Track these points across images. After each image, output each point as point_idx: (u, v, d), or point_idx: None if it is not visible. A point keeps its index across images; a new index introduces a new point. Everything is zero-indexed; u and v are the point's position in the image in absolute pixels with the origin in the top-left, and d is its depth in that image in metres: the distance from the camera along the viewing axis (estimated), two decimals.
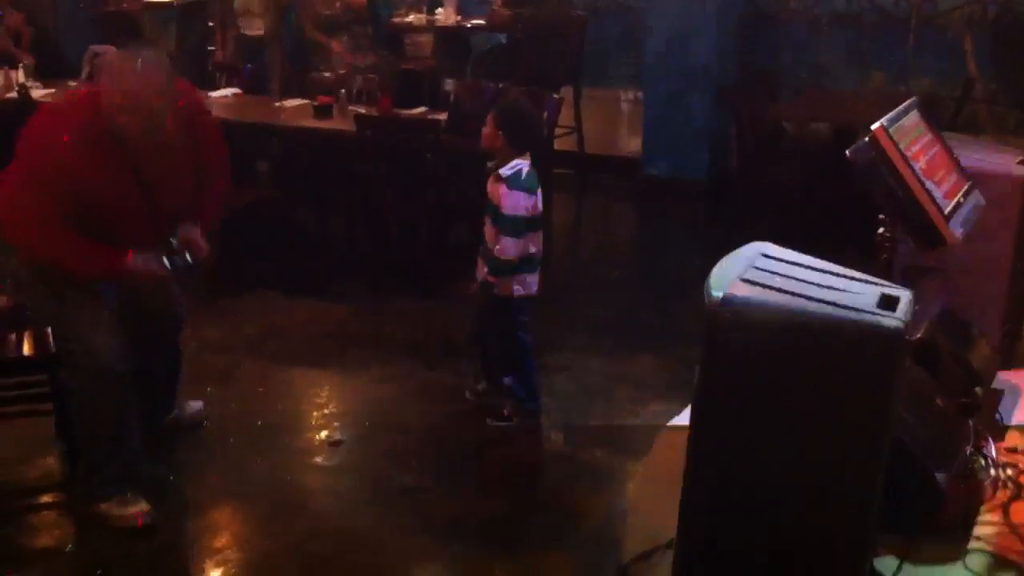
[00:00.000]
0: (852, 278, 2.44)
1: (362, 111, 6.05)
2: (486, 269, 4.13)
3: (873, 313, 2.24)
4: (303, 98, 6.54)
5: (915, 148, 3.14)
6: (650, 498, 3.34)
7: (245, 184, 6.19)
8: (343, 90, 6.41)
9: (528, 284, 4.16)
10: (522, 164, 4.04)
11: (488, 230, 4.13)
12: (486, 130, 4.09)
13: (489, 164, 4.13)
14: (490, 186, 4.10)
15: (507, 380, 4.32)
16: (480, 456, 4.14)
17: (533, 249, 4.12)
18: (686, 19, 7.53)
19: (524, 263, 4.11)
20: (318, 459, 4.08)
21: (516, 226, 4.01)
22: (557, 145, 6.96)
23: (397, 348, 5.06)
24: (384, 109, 6.00)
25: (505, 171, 4.02)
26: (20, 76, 6.93)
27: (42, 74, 7.23)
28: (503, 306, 4.18)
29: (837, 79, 7.72)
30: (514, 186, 4.00)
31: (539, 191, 4.10)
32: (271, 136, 6.43)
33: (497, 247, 4.03)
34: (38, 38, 7.75)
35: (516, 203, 4.00)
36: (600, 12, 8.49)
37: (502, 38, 8.43)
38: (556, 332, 5.29)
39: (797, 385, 2.32)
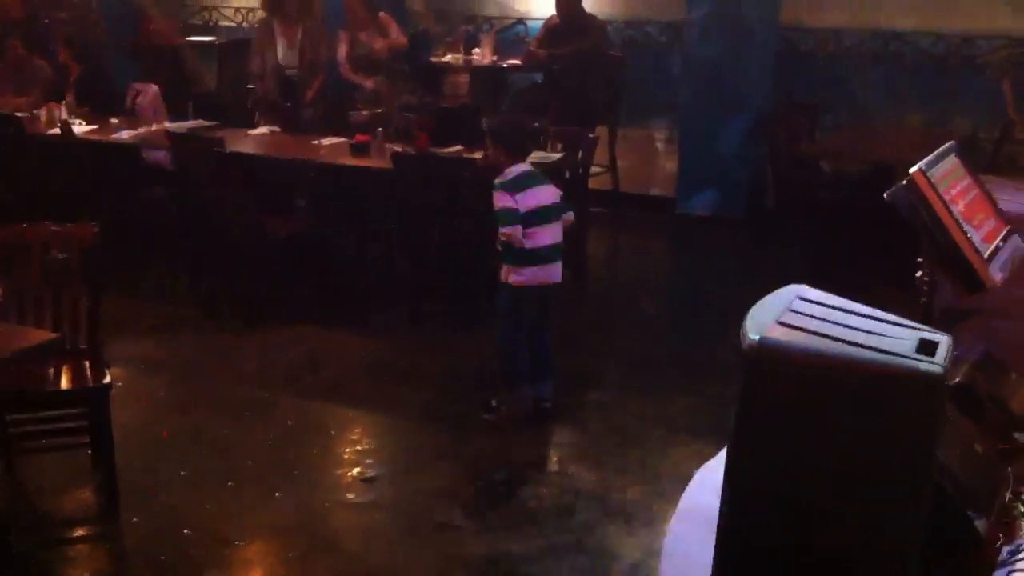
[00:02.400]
0: (890, 322, 2.43)
1: (399, 149, 6.09)
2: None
3: (912, 358, 2.22)
4: (341, 136, 6.61)
5: (954, 191, 3.12)
6: (685, 541, 3.32)
7: (284, 217, 6.26)
8: (380, 128, 6.47)
9: (529, 274, 4.56)
10: (515, 169, 4.55)
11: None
12: (488, 151, 4.73)
13: (496, 181, 4.59)
14: None
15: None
16: (513, 494, 4.12)
17: (529, 244, 4.51)
18: (723, 57, 7.56)
19: (524, 256, 4.53)
20: (351, 496, 4.08)
21: (502, 217, 4.50)
22: (592, 184, 6.97)
23: (432, 381, 5.08)
24: (421, 147, 6.05)
25: (499, 178, 4.55)
26: (63, 112, 7.05)
27: (90, 110, 7.36)
28: (505, 291, 4.63)
29: (875, 118, 7.69)
30: (497, 188, 4.53)
31: (538, 186, 4.56)
32: (309, 173, 6.49)
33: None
34: (87, 74, 7.88)
35: (497, 201, 4.51)
36: (636, 51, 8.52)
37: (538, 77, 8.48)
38: (590, 369, 5.30)
39: (834, 430, 2.30)
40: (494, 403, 4.67)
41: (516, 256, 4.56)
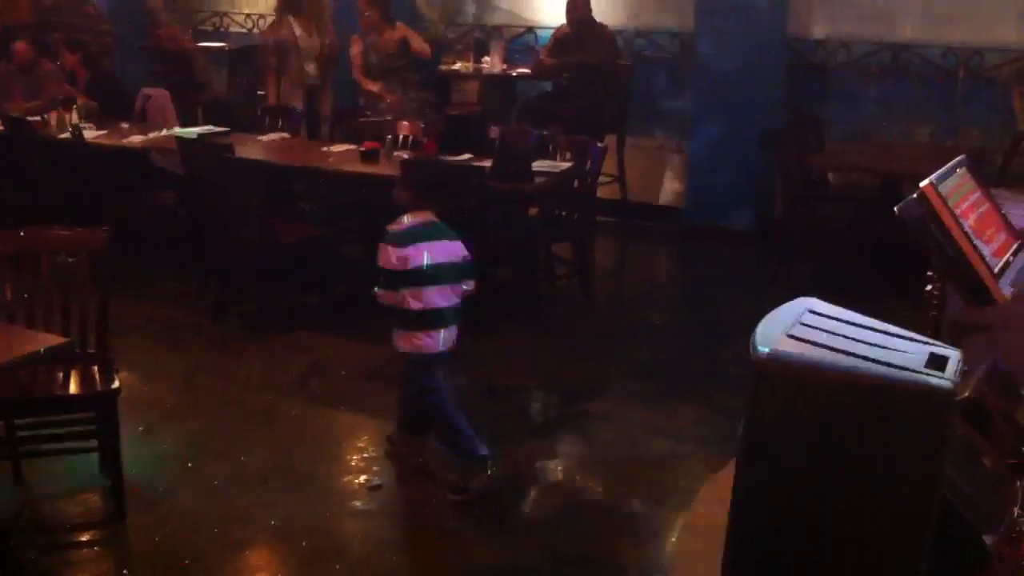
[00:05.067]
0: (900, 336, 2.43)
1: (407, 157, 6.10)
2: None
3: (922, 373, 2.22)
4: (351, 143, 6.62)
5: (964, 205, 3.12)
6: (692, 553, 3.31)
7: (293, 223, 6.27)
8: (390, 136, 6.48)
9: (417, 342, 4.08)
10: (414, 219, 4.06)
11: None
12: (396, 189, 4.20)
13: (388, 228, 4.12)
14: None
15: (439, 446, 4.24)
16: (519, 503, 4.12)
17: (416, 305, 4.02)
18: (732, 68, 7.56)
19: (413, 319, 4.05)
20: (357, 503, 4.08)
21: (384, 278, 4.04)
22: (600, 193, 6.98)
23: None
24: (430, 155, 6.06)
25: (391, 226, 4.08)
26: (74, 117, 7.08)
27: (101, 114, 7.38)
28: (407, 364, 4.19)
29: (884, 130, 7.69)
30: (387, 240, 4.05)
31: (425, 244, 4.02)
32: (318, 179, 6.50)
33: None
34: (97, 78, 7.91)
35: (382, 255, 4.03)
36: (645, 62, 8.53)
37: (548, 85, 8.50)
38: (597, 378, 5.30)
39: (843, 444, 2.29)
40: (460, 484, 4.10)
41: (400, 319, 4.09)
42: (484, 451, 4.11)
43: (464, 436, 4.13)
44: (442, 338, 4.09)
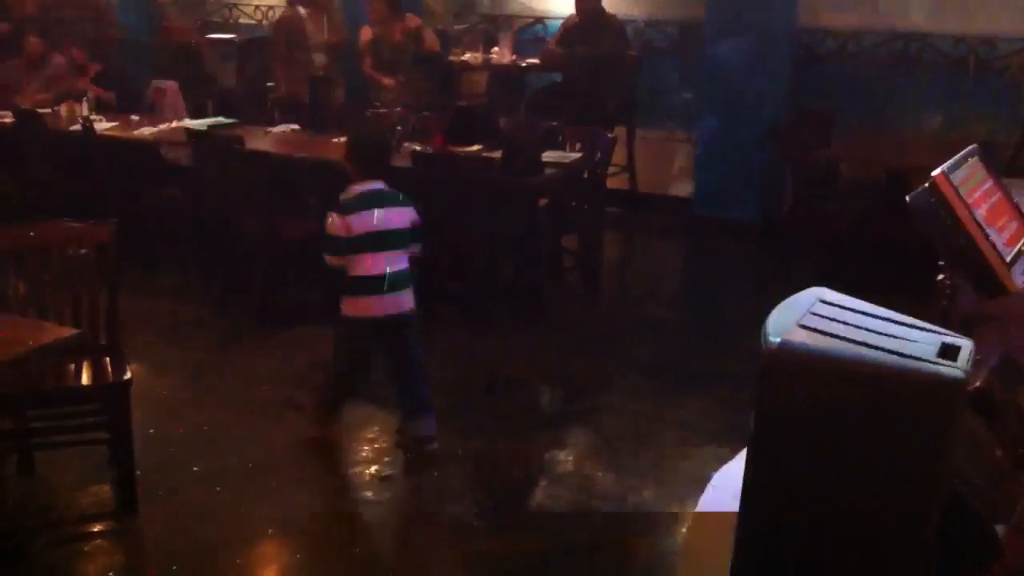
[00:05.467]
0: (912, 326, 2.41)
1: (417, 148, 6.10)
2: None
3: (933, 362, 2.21)
4: None
5: (976, 195, 3.10)
6: (702, 543, 3.31)
7: (299, 217, 6.26)
8: (399, 127, 6.47)
9: (361, 305, 4.26)
10: (362, 188, 4.26)
11: None
12: (345, 163, 4.39)
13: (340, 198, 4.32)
14: None
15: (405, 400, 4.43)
16: (529, 493, 4.12)
17: (362, 270, 4.21)
18: (740, 60, 7.53)
19: (359, 284, 4.23)
20: (368, 494, 4.09)
21: (329, 244, 4.23)
22: (609, 184, 6.97)
23: (446, 383, 5.06)
24: (439, 146, 6.05)
25: (341, 196, 4.27)
26: (84, 109, 7.09)
27: (111, 106, 7.40)
28: (339, 323, 4.35)
29: (893, 121, 7.66)
30: (334, 208, 4.23)
31: (364, 213, 4.19)
32: (326, 171, 6.49)
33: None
34: (106, 72, 7.92)
35: (330, 223, 4.21)
36: (655, 53, 8.51)
37: (557, 77, 8.48)
38: (606, 371, 5.29)
39: (854, 433, 2.29)
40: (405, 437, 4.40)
41: (346, 284, 4.26)
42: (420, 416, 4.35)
43: (337, 400, 4.46)
44: (386, 302, 4.24)
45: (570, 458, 4.43)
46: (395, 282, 4.23)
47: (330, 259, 4.26)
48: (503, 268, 6.14)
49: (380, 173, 4.34)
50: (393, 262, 4.22)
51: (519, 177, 5.70)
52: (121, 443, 3.85)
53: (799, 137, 6.80)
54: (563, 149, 6.33)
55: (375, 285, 4.21)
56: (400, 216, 4.27)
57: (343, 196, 4.27)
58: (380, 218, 4.20)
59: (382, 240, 4.21)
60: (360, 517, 3.96)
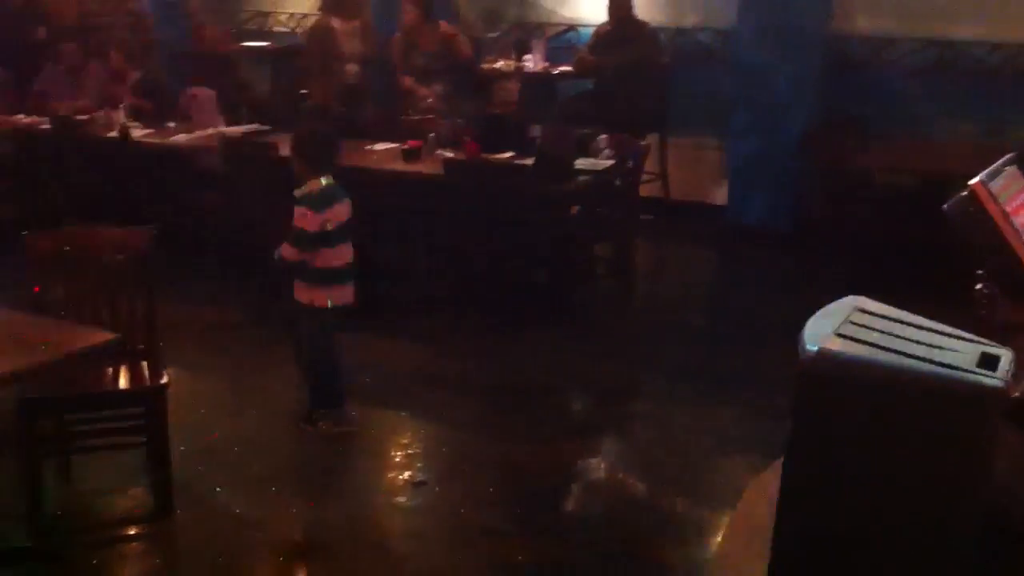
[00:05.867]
0: (951, 335, 2.40)
1: (450, 155, 6.13)
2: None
3: (973, 372, 2.20)
4: (392, 142, 6.65)
5: (1015, 203, 3.08)
6: (738, 552, 3.30)
7: None
8: (432, 134, 6.50)
9: (341, 294, 4.50)
10: (324, 184, 4.41)
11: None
12: (293, 164, 4.51)
13: (296, 192, 4.46)
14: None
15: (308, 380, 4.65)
16: (560, 500, 4.12)
17: (336, 262, 4.43)
18: (773, 67, 7.51)
19: (336, 274, 4.45)
20: (401, 499, 4.10)
21: (298, 238, 4.38)
22: (642, 191, 6.97)
23: (480, 389, 5.09)
24: (471, 154, 6.08)
25: (298, 192, 4.41)
26: (121, 116, 7.17)
27: (150, 114, 7.48)
28: (314, 315, 4.51)
29: (927, 128, 7.60)
30: (305, 203, 4.37)
31: (337, 205, 4.42)
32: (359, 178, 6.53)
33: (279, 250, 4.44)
34: (144, 80, 8.01)
35: (302, 218, 4.36)
36: (687, 60, 8.49)
37: (589, 84, 8.48)
38: (638, 378, 5.29)
39: (892, 443, 2.28)
40: (320, 423, 4.57)
41: (320, 276, 4.43)
42: (343, 404, 4.60)
43: (337, 380, 4.60)
44: (342, 292, 4.49)
45: (603, 465, 4.43)
46: (350, 274, 4.52)
47: (293, 253, 4.40)
48: (536, 275, 6.14)
49: (331, 166, 4.52)
50: (347, 254, 4.49)
51: (551, 184, 5.71)
52: (158, 446, 3.88)
53: (832, 143, 6.77)
54: (595, 157, 6.33)
55: (350, 274, 4.50)
56: (349, 207, 4.49)
57: (305, 191, 4.40)
58: (342, 212, 4.44)
59: (348, 231, 4.47)
60: (395, 523, 3.97)
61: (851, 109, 7.51)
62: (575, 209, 6.16)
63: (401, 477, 4.25)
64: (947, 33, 7.55)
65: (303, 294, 4.50)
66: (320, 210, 4.36)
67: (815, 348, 2.29)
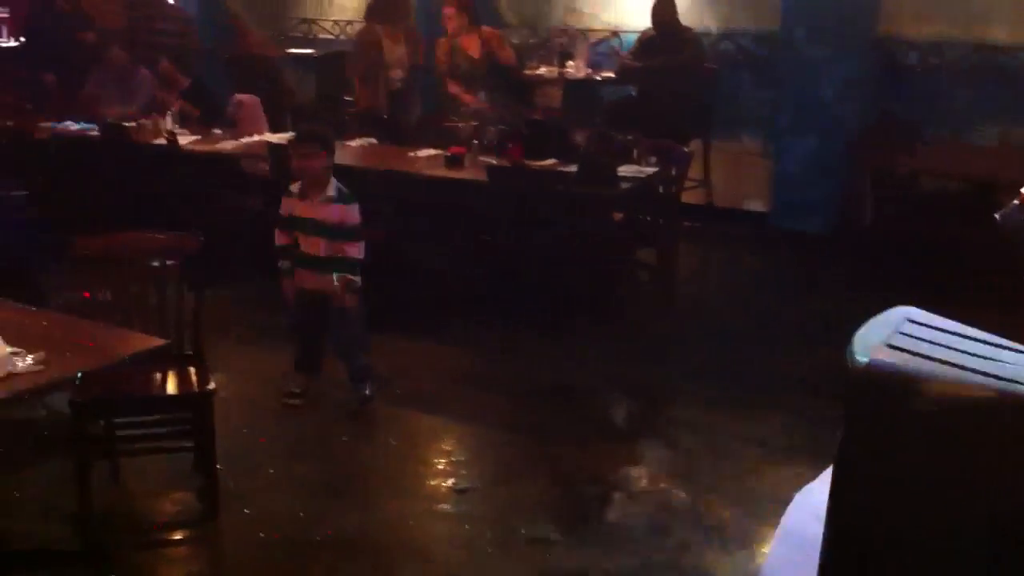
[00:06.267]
0: (1006, 347, 2.36)
1: (493, 162, 6.14)
2: (336, 275, 4.75)
3: None
4: (436, 148, 6.67)
5: None
6: (783, 566, 3.26)
7: (371, 226, 6.31)
8: (475, 141, 6.52)
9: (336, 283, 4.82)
10: (339, 183, 4.76)
11: (319, 244, 4.74)
12: (319, 162, 4.70)
13: (291, 188, 4.82)
14: (310, 209, 4.73)
15: (361, 362, 4.95)
16: (606, 510, 4.11)
17: (352, 252, 4.79)
18: (819, 69, 7.46)
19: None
20: (444, 506, 4.11)
21: (358, 233, 4.75)
22: (685, 198, 6.94)
23: (521, 394, 5.09)
24: (515, 160, 6.08)
25: (332, 192, 4.72)
26: (168, 123, 7.24)
27: (198, 120, 7.55)
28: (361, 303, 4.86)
29: (976, 133, 7.50)
30: (349, 201, 4.73)
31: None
32: (403, 184, 6.55)
33: (353, 251, 4.73)
34: (193, 86, 8.09)
35: (354, 214, 4.73)
36: (732, 65, 8.45)
37: (632, 90, 8.46)
38: (682, 384, 5.26)
39: (945, 458, 2.24)
40: (368, 392, 4.95)
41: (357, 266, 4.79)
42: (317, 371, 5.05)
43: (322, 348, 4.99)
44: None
45: (646, 473, 4.40)
46: None
47: (361, 249, 4.74)
48: (579, 280, 6.13)
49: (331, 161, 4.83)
50: None
51: (594, 191, 5.70)
52: (205, 450, 3.92)
53: (881, 148, 6.70)
54: (639, 163, 6.31)
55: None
56: None
57: (339, 190, 4.72)
58: None
59: None
60: (437, 529, 3.98)
61: (899, 113, 7.44)
62: (618, 215, 6.14)
63: (444, 484, 4.26)
64: (996, 37, 7.46)
65: (329, 283, 4.78)
66: (355, 201, 4.73)
67: (866, 359, 2.25)
